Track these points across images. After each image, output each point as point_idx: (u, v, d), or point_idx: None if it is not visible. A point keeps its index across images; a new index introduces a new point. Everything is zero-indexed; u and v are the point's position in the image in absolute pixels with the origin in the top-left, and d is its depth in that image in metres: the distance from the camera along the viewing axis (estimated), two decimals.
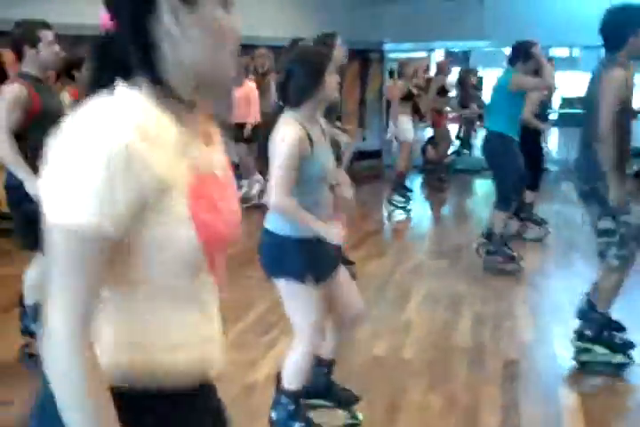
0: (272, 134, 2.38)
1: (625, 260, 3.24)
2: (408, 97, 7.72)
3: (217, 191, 1.10)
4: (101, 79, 1.05)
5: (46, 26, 3.38)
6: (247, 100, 7.41)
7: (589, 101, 3.27)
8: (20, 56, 3.36)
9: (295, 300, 2.49)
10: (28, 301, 3.47)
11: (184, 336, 1.10)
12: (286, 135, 2.32)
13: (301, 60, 2.40)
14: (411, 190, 8.07)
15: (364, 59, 10.92)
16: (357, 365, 3.53)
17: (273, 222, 2.48)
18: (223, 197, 1.12)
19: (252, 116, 7.46)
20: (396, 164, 8.04)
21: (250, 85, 7.51)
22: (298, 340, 2.53)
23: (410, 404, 3.14)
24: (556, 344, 3.79)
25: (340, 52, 4.10)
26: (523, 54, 4.88)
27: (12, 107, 3.26)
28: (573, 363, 3.51)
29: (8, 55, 6.56)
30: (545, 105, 6.17)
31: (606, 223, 3.22)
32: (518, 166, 4.91)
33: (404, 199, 7.76)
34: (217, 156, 1.15)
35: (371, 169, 11.13)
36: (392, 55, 10.80)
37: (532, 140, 5.59)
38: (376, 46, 10.84)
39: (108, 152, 0.93)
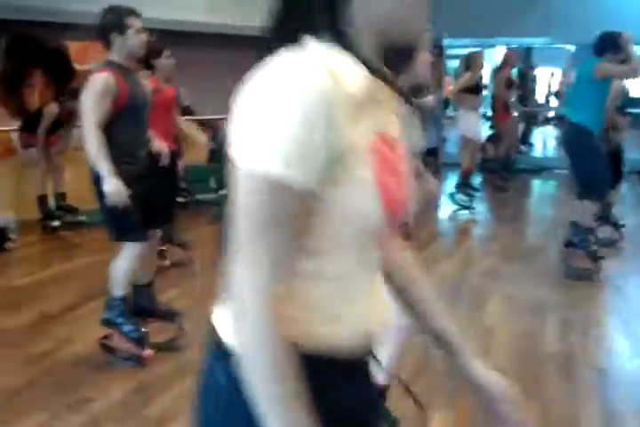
0: None
1: None
2: (476, 90, 7.47)
3: (395, 157, 0.99)
4: (284, 34, 0.95)
5: (135, 13, 3.30)
6: None
7: None
8: (107, 44, 3.29)
9: None
10: (116, 292, 3.41)
11: (349, 309, 0.99)
12: None
13: None
14: (477, 189, 7.86)
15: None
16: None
17: None
18: (400, 164, 1.01)
19: None
20: (462, 162, 7.81)
21: None
22: None
23: None
24: None
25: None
26: (612, 45, 4.71)
27: (101, 98, 3.17)
28: None
29: (74, 46, 6.63)
30: (625, 99, 5.95)
31: None
32: (600, 161, 4.75)
33: (468, 198, 7.57)
34: (394, 119, 1.03)
35: (428, 167, 10.93)
36: (451, 51, 10.60)
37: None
38: (435, 41, 10.62)
39: (306, 97, 0.85)
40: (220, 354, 0.99)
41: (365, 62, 0.93)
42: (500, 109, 8.83)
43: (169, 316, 3.86)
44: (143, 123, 3.43)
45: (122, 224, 3.31)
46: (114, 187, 3.16)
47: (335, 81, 0.87)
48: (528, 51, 11.30)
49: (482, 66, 7.72)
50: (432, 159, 11.36)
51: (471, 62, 7.55)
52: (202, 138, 7.77)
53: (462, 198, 7.55)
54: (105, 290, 3.49)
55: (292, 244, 0.90)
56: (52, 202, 6.55)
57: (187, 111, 6.92)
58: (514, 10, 10.14)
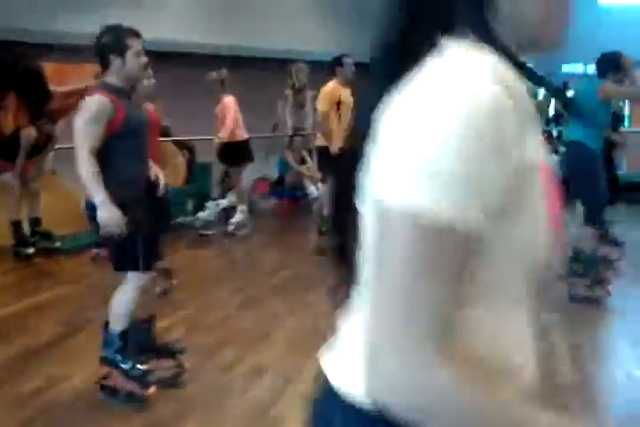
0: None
1: None
2: None
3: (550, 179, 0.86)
4: (417, 37, 0.81)
5: (136, 34, 3.15)
6: (222, 115, 6.79)
7: None
8: (104, 65, 3.13)
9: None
10: (115, 328, 3.22)
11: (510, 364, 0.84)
12: None
13: None
14: None
15: None
16: None
17: None
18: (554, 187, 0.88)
19: (224, 133, 6.78)
20: None
21: (229, 101, 6.80)
22: None
23: None
24: None
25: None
26: (613, 65, 4.77)
27: (95, 121, 3.00)
28: None
29: (50, 67, 6.42)
30: (617, 116, 6.01)
31: None
32: (601, 180, 4.73)
33: None
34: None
35: None
36: None
37: (607, 151, 5.41)
38: None
39: (478, 118, 0.70)
40: (349, 411, 0.85)
41: (518, 65, 0.80)
42: None
43: (170, 352, 3.68)
44: (143, 148, 3.27)
45: (122, 253, 3.14)
46: (109, 214, 2.98)
47: (506, 93, 0.73)
48: None
49: None
50: None
51: None
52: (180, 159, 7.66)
53: None
54: (89, 320, 3.30)
55: (455, 294, 0.75)
56: (26, 228, 6.29)
57: (164, 132, 6.76)
58: None
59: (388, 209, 0.74)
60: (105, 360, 3.23)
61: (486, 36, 0.79)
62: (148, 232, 3.12)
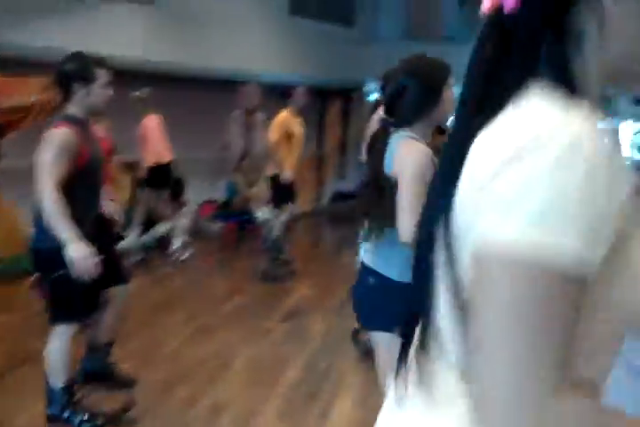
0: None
1: None
2: None
3: None
4: (505, 84, 0.77)
5: (104, 64, 2.93)
6: (144, 137, 6.46)
7: None
8: (66, 93, 2.88)
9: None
10: (55, 384, 2.95)
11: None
12: (418, 155, 1.97)
13: (420, 72, 2.08)
14: None
15: (347, 97, 10.77)
16: None
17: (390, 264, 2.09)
18: None
19: (151, 156, 6.47)
20: None
21: (152, 121, 6.47)
22: None
23: None
24: None
25: None
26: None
27: (61, 155, 2.75)
28: None
29: None
30: None
31: None
32: None
33: None
34: None
35: (348, 210, 10.94)
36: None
37: None
38: (358, 84, 10.71)
39: (590, 163, 0.66)
40: None
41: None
42: None
43: (123, 383, 3.44)
44: (99, 181, 3.04)
45: (60, 304, 2.90)
46: (82, 253, 2.71)
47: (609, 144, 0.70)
48: None
49: None
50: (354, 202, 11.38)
51: None
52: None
53: None
54: (31, 352, 3.03)
55: (567, 349, 0.69)
56: None
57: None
58: (441, 55, 10.36)
59: (496, 254, 0.67)
60: (52, 418, 2.96)
61: (562, 81, 0.75)
62: (93, 280, 2.82)
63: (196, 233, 8.25)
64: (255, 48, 9.01)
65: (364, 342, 4.30)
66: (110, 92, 2.94)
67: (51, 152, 2.72)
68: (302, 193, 10.30)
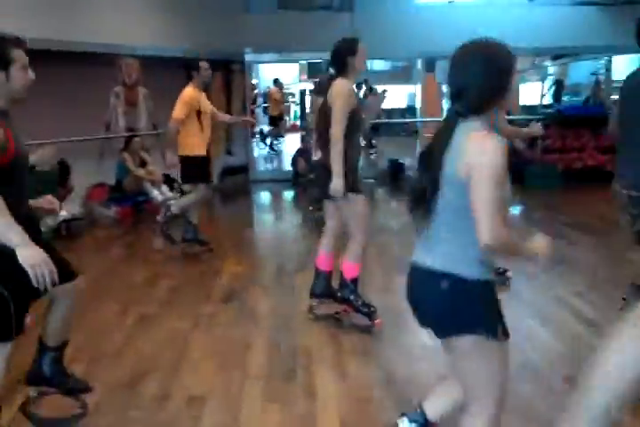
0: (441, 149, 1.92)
1: None
2: None
3: None
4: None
5: (21, 43, 2.49)
6: None
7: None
8: None
9: (484, 359, 1.99)
10: None
11: None
12: (496, 149, 1.84)
13: (488, 58, 1.95)
14: None
15: (227, 69, 10.44)
16: None
17: (463, 264, 1.95)
18: None
19: None
20: None
21: None
22: (479, 409, 2.05)
23: None
24: None
25: (363, 57, 3.91)
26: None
27: None
28: None
29: None
30: None
31: None
32: None
33: None
34: None
35: (238, 185, 10.72)
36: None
37: None
38: (237, 56, 10.41)
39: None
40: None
41: None
42: None
43: (77, 389, 3.11)
44: (26, 177, 2.65)
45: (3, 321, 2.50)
46: (37, 255, 2.30)
47: None
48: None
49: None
50: (242, 176, 11.16)
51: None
52: None
53: None
54: None
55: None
56: None
57: None
58: (321, 24, 10.27)
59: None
60: None
61: None
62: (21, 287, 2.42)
63: (91, 221, 7.73)
64: (130, 20, 8.47)
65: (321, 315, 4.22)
66: (32, 75, 2.53)
67: None
68: None
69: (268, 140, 15.63)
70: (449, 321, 1.98)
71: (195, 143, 5.65)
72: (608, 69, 12.97)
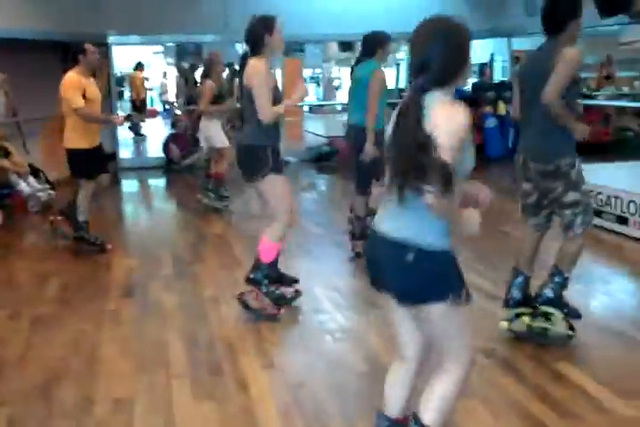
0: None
1: (588, 225, 3.50)
2: (221, 97, 7.06)
3: None
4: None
5: None
6: None
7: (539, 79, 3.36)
8: None
9: (454, 322, 2.09)
10: None
11: None
12: (461, 114, 1.89)
13: (449, 33, 1.99)
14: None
15: None
16: None
17: (427, 232, 1.99)
18: None
19: None
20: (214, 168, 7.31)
21: None
22: (454, 365, 2.13)
23: None
24: None
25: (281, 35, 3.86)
26: (380, 45, 4.99)
27: None
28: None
29: None
30: None
31: (574, 195, 3.43)
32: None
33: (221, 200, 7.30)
34: None
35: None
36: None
37: None
38: (101, 38, 9.84)
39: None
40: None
41: None
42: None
43: None
44: None
45: None
46: None
47: None
48: (199, 47, 11.20)
49: (223, 69, 7.37)
50: (112, 165, 10.63)
51: (210, 68, 7.09)
52: None
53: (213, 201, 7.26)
54: None
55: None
56: None
57: None
58: (185, 6, 9.93)
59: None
60: None
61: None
62: None
63: None
64: None
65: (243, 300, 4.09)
66: None
67: None
68: (52, 159, 9.34)
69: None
70: (418, 291, 2.03)
71: (79, 136, 5.22)
72: None
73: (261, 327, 3.88)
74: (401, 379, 2.28)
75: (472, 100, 10.39)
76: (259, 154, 3.86)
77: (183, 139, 10.37)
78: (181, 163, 10.14)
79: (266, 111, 3.76)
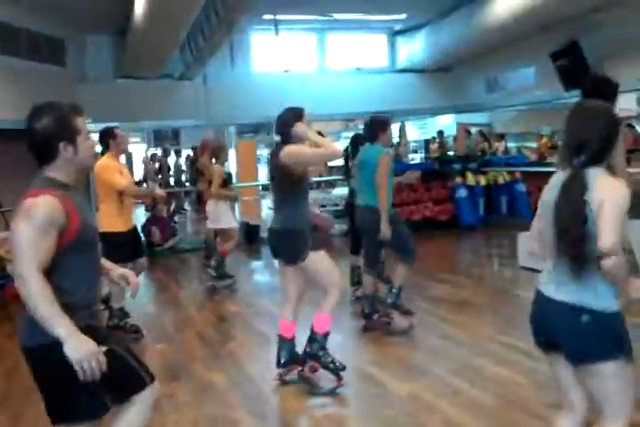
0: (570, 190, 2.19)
1: None
2: (229, 180, 7.38)
3: None
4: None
5: (80, 111, 2.39)
6: None
7: None
8: None
9: (621, 379, 2.24)
10: None
11: None
12: (623, 188, 2.16)
13: (605, 116, 2.28)
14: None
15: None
16: None
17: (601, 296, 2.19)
18: None
19: None
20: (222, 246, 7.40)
21: None
22: (612, 422, 2.27)
23: None
24: None
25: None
26: (381, 129, 5.21)
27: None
28: None
29: None
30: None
31: None
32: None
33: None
34: None
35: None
36: None
37: None
38: None
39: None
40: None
41: None
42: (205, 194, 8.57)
43: None
44: (97, 249, 2.49)
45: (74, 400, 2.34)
46: (83, 348, 2.17)
47: None
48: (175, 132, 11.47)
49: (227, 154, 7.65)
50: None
51: (221, 153, 7.31)
52: None
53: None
54: None
55: None
56: None
57: None
58: (159, 93, 10.26)
59: None
60: None
61: None
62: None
63: None
64: None
65: None
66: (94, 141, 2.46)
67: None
68: None
69: None
70: (591, 351, 2.19)
71: (114, 219, 5.21)
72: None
73: (324, 400, 3.92)
74: None
75: (441, 173, 10.94)
76: (299, 237, 4.00)
77: (163, 221, 10.43)
78: (164, 245, 10.14)
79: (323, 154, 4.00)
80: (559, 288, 2.26)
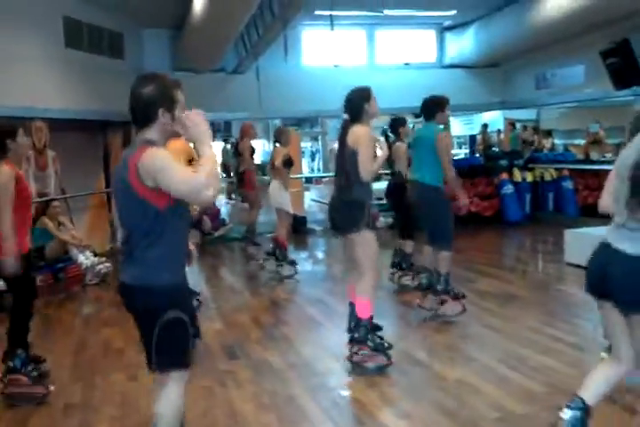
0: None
1: None
2: (290, 163, 7.57)
3: None
4: None
5: (180, 85, 2.63)
6: None
7: None
8: None
9: None
10: None
11: None
12: None
13: None
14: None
15: (126, 129, 10.35)
16: None
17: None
18: None
19: None
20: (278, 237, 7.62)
21: None
22: None
23: None
24: None
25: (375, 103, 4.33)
26: (439, 108, 5.36)
27: None
28: None
29: None
30: None
31: None
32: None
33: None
34: None
35: None
36: None
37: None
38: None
39: None
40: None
41: None
42: (247, 180, 8.96)
43: None
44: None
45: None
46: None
47: None
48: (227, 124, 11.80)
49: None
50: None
51: (281, 137, 7.60)
52: None
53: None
54: None
55: None
56: None
57: None
58: (213, 88, 10.56)
59: None
60: None
61: None
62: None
63: None
64: (41, 83, 8.26)
65: None
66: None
67: None
68: (96, 234, 9.62)
69: None
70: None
71: None
72: None
73: (379, 379, 4.13)
74: (607, 374, 2.63)
75: (487, 169, 11.02)
76: (360, 208, 4.23)
77: (214, 210, 10.75)
78: (214, 233, 10.45)
79: (368, 170, 4.19)
80: (625, 241, 2.46)
